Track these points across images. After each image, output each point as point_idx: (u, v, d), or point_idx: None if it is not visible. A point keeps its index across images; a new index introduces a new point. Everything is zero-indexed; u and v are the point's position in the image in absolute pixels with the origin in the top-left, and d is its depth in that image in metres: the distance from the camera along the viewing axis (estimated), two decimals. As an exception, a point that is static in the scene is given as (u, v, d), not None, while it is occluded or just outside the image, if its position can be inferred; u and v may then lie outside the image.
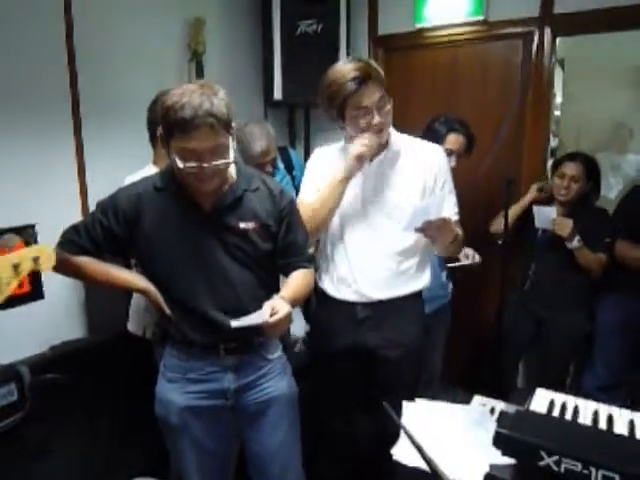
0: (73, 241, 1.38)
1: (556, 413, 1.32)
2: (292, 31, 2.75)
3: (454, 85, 2.85)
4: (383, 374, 1.73)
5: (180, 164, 1.24)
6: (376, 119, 1.54)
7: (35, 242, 1.90)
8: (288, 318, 1.29)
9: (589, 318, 2.45)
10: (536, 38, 2.59)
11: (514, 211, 2.46)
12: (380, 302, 1.68)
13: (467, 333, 2.74)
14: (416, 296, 1.74)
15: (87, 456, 1.77)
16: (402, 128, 2.21)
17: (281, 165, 2.45)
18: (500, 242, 2.52)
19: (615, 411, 1.32)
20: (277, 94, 2.81)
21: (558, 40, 2.86)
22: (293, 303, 1.33)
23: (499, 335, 2.51)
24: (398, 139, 1.69)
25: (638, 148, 4.04)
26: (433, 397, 1.73)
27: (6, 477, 1.52)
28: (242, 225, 1.38)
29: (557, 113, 4.08)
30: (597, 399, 2.44)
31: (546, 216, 2.29)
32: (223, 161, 1.26)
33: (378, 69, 1.55)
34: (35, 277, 1.92)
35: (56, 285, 2.01)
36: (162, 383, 1.48)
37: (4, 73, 1.87)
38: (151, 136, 1.80)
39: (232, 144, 1.30)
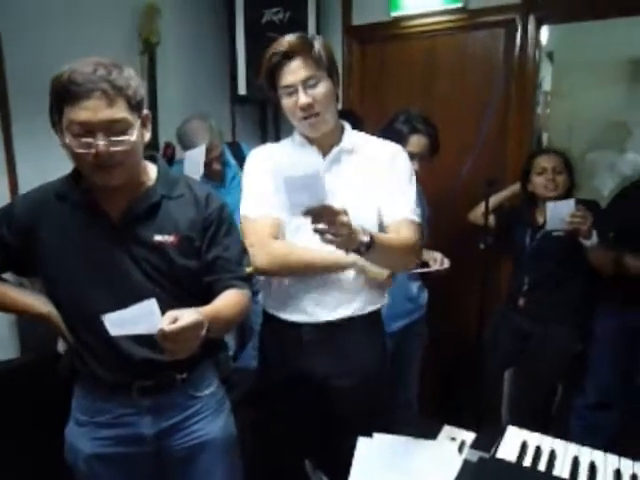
0: None
1: (528, 460, 1.12)
2: (257, 20, 2.55)
3: (432, 78, 2.65)
4: (336, 407, 1.50)
5: (69, 140, 1.05)
6: (302, 99, 1.33)
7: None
8: (196, 331, 1.02)
9: (582, 332, 2.25)
10: (519, 26, 2.39)
11: (495, 200, 2.28)
12: (329, 324, 1.45)
13: (445, 348, 2.54)
14: (373, 316, 1.51)
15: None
16: (377, 123, 2.06)
17: (232, 161, 2.25)
18: (482, 246, 2.33)
19: (599, 457, 1.12)
20: (242, 89, 2.61)
21: (547, 31, 2.68)
22: (212, 322, 1.09)
23: (480, 350, 2.32)
24: (353, 136, 1.47)
25: (634, 146, 3.84)
26: (400, 427, 1.53)
27: None
28: (158, 238, 1.17)
29: (547, 111, 3.90)
30: (588, 420, 2.31)
31: (562, 212, 1.93)
32: (123, 138, 1.06)
33: (316, 45, 1.33)
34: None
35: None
36: (71, 425, 1.28)
37: None
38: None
39: (139, 126, 1.11)
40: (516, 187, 2.34)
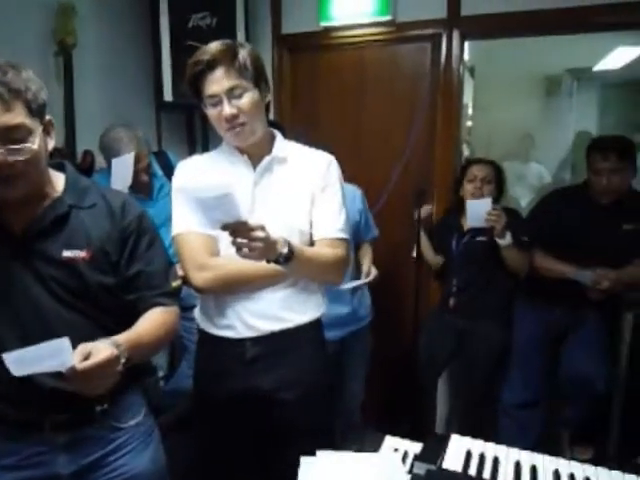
0: None
1: (474, 468, 1.12)
2: (183, 24, 2.46)
3: (362, 89, 2.68)
4: (281, 422, 1.46)
5: None
6: (226, 110, 1.29)
7: None
8: (110, 367, 0.94)
9: (509, 330, 2.34)
10: (444, 41, 2.48)
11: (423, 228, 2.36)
12: (272, 335, 1.40)
13: (385, 354, 2.55)
14: (314, 325, 1.47)
15: None
16: (309, 131, 2.03)
17: (159, 171, 2.14)
18: (414, 254, 2.37)
19: (538, 459, 1.14)
20: (167, 95, 2.50)
21: (468, 47, 2.79)
22: (133, 349, 1.01)
23: (417, 353, 2.36)
24: (285, 146, 1.44)
25: (540, 157, 4.11)
26: (342, 439, 1.50)
27: None
28: (67, 254, 1.06)
29: (469, 123, 4.08)
30: (516, 418, 2.40)
31: (480, 209, 2.06)
32: (23, 146, 0.96)
33: (241, 54, 1.29)
34: None
35: None
36: None
37: None
38: None
39: (41, 133, 1.02)
40: (428, 208, 2.45)
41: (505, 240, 2.09)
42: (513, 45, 2.81)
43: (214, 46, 1.29)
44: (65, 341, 0.88)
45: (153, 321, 1.12)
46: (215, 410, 1.48)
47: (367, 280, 2.11)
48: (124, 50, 2.53)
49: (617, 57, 3.81)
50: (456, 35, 2.46)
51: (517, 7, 2.32)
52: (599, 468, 1.11)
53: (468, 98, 3.96)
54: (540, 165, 4.12)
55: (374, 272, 2.12)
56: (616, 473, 1.11)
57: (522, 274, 2.22)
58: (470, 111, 4.05)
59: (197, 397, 1.55)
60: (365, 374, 2.26)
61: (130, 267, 1.13)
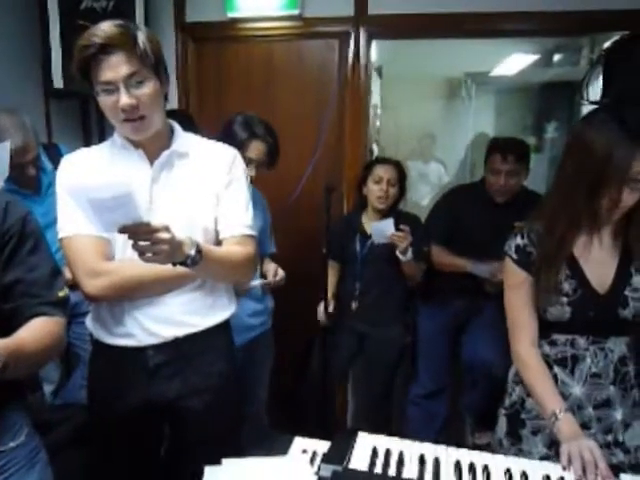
0: None
1: (380, 465, 1.11)
2: (74, 5, 2.25)
3: (271, 83, 2.63)
4: (188, 431, 1.38)
5: None
6: (124, 100, 1.17)
7: None
8: None
9: (408, 329, 2.41)
10: (352, 38, 2.49)
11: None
12: (176, 341, 1.32)
13: (294, 352, 2.52)
14: (222, 327, 1.41)
15: None
16: (217, 127, 1.94)
17: (49, 165, 1.95)
18: (325, 251, 2.36)
19: (442, 452, 1.16)
20: (57, 82, 2.28)
21: (376, 46, 2.84)
22: (10, 356, 0.89)
23: (324, 355, 2.35)
24: (185, 139, 1.35)
25: (441, 157, 4.31)
26: (250, 445, 1.46)
27: None
28: None
29: (378, 123, 4.18)
30: (423, 407, 2.49)
31: (384, 230, 2.10)
32: None
33: (140, 37, 1.18)
34: None
35: None
36: None
37: None
38: None
39: None
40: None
41: (406, 257, 2.11)
42: (418, 47, 2.91)
43: (108, 27, 1.15)
44: None
45: (35, 329, 1.01)
46: (114, 424, 1.36)
47: (277, 279, 2.01)
48: (7, 31, 2.27)
49: (512, 63, 4.08)
50: (363, 33, 2.48)
51: (422, 9, 2.38)
52: (497, 456, 1.15)
53: (377, 98, 4.05)
54: (439, 164, 4.32)
55: (281, 272, 2.02)
56: (511, 458, 1.17)
57: (417, 280, 2.28)
58: (379, 111, 4.15)
59: (93, 412, 1.42)
60: (269, 378, 2.22)
61: (7, 274, 1.01)
